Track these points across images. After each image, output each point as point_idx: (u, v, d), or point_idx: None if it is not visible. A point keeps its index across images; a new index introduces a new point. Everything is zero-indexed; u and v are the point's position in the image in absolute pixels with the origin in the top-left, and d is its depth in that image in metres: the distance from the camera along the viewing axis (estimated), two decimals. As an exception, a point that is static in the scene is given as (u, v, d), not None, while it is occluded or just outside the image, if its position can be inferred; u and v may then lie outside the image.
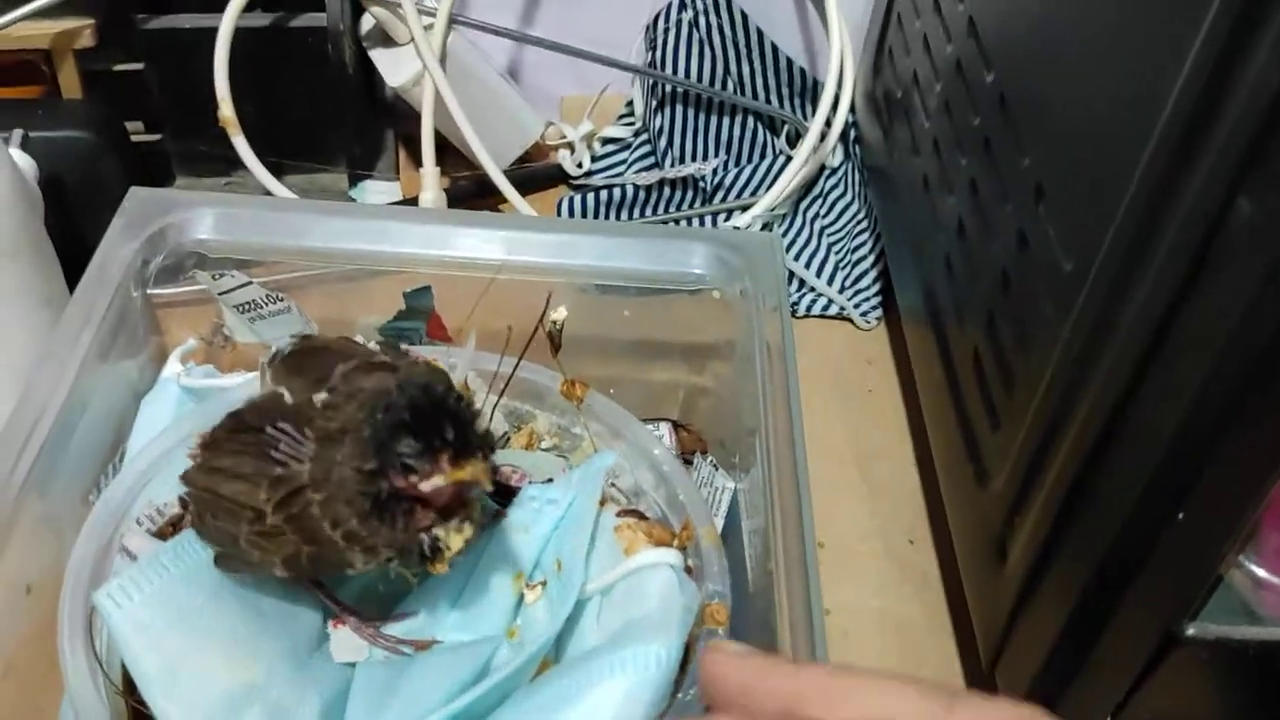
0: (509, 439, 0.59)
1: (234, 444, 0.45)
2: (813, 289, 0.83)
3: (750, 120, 0.89)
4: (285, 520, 0.43)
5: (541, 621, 0.50)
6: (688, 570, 0.49)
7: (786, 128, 0.91)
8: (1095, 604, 0.53)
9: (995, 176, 0.59)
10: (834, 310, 0.82)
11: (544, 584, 0.51)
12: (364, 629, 0.49)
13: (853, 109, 0.90)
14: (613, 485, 0.55)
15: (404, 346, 0.52)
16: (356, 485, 0.42)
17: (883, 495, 0.71)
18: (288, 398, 0.48)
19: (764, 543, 0.56)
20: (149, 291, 0.63)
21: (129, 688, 0.45)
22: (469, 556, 0.51)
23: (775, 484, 0.53)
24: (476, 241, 0.62)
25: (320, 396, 0.46)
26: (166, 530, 0.50)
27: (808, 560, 0.50)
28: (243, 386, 0.54)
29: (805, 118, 0.91)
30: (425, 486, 0.42)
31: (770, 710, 0.30)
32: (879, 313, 0.82)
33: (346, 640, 0.49)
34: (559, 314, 0.65)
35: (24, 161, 0.64)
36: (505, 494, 0.54)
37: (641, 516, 0.51)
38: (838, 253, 0.84)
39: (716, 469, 0.64)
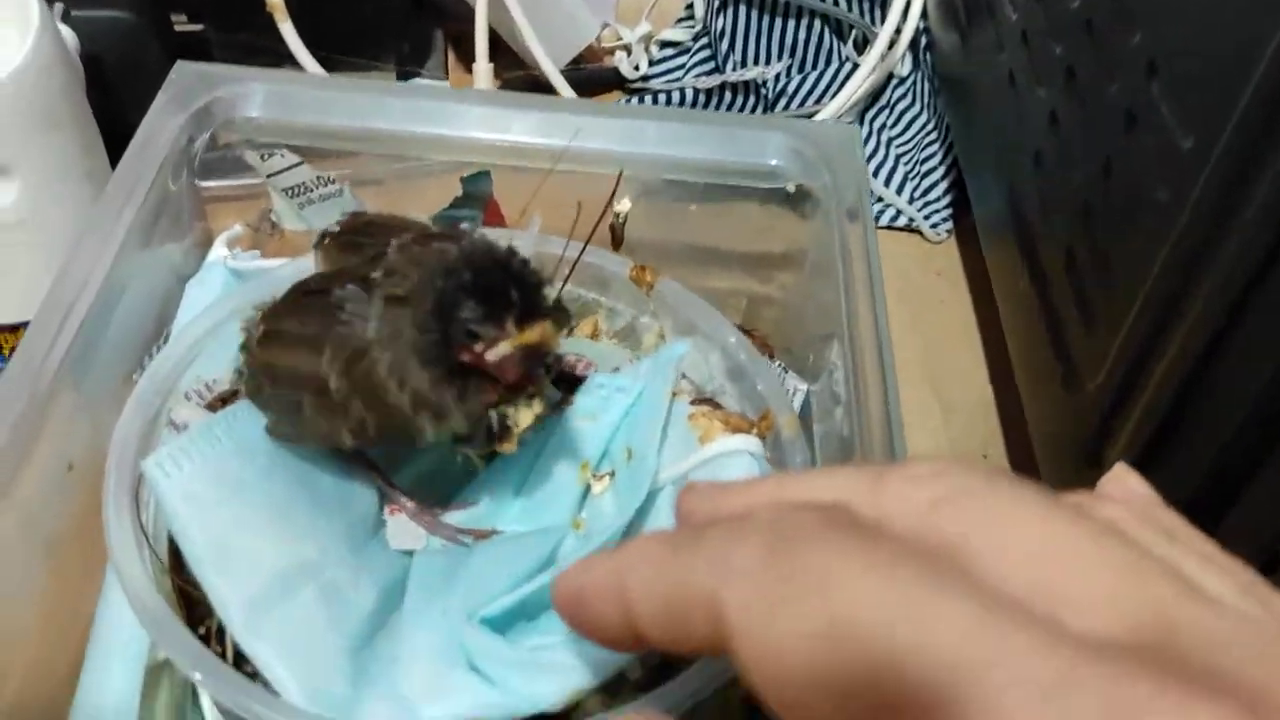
0: (572, 329, 0.55)
1: (297, 309, 0.43)
2: (880, 199, 0.79)
3: (816, 24, 0.85)
4: (350, 386, 0.40)
5: (609, 513, 0.47)
6: (767, 459, 0.46)
7: (854, 33, 0.87)
8: (1199, 517, 0.50)
9: (1098, 59, 0.55)
10: (902, 221, 0.78)
11: (612, 474, 0.48)
12: (422, 516, 0.46)
13: (924, 15, 0.85)
14: (684, 378, 0.52)
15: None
16: (423, 350, 0.40)
17: (955, 410, 0.67)
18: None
19: (842, 450, 0.53)
20: (196, 183, 0.60)
21: (176, 565, 0.43)
22: (532, 445, 0.48)
23: (861, 389, 0.50)
24: (538, 125, 0.58)
25: (378, 271, 0.44)
26: (216, 404, 0.47)
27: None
28: (293, 268, 0.52)
29: (874, 23, 0.86)
30: (491, 356, 0.39)
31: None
32: (949, 225, 0.78)
33: (404, 527, 0.46)
34: (623, 206, 0.61)
35: (66, 33, 0.61)
36: (570, 382, 0.51)
37: (717, 406, 0.48)
38: (906, 163, 0.80)
39: (786, 371, 0.60)
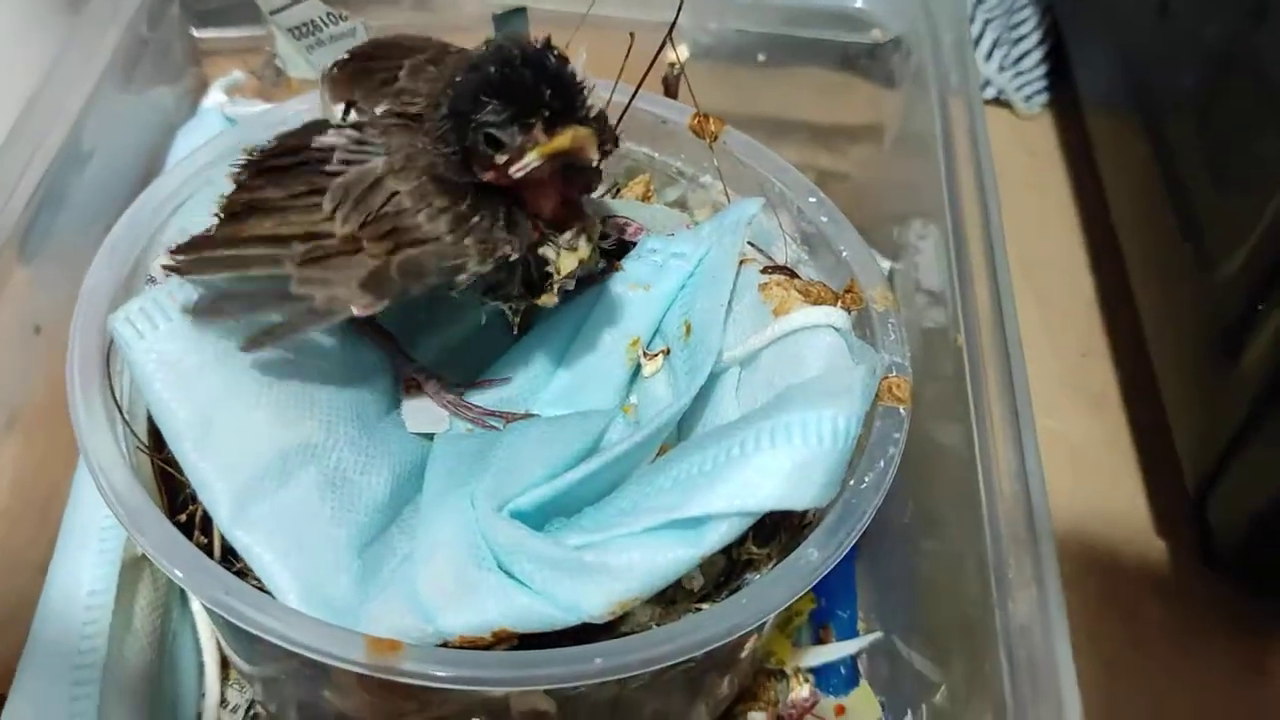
0: (619, 189, 0.48)
1: (273, 174, 0.35)
2: (964, 70, 0.70)
3: None
4: (364, 226, 0.33)
5: (663, 398, 0.40)
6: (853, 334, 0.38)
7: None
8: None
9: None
10: (991, 93, 0.69)
11: (666, 353, 0.41)
12: (444, 395, 0.39)
13: None
14: (752, 246, 0.44)
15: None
16: (445, 170, 0.32)
17: (1051, 304, 0.60)
18: (339, 115, 0.38)
19: (927, 344, 0.45)
20: (192, 34, 0.53)
21: (156, 442, 0.36)
22: (572, 316, 0.41)
23: (966, 280, 0.43)
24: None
25: (386, 102, 0.36)
26: (202, 261, 0.40)
27: (1013, 367, 0.40)
28: (298, 104, 0.44)
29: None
30: (516, 169, 0.31)
31: None
32: (1044, 97, 0.70)
33: (423, 407, 0.39)
34: (679, 53, 0.53)
35: None
36: (618, 248, 0.43)
37: (793, 275, 0.40)
38: (995, 28, 0.71)
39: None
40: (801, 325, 0.37)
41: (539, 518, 0.35)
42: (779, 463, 0.32)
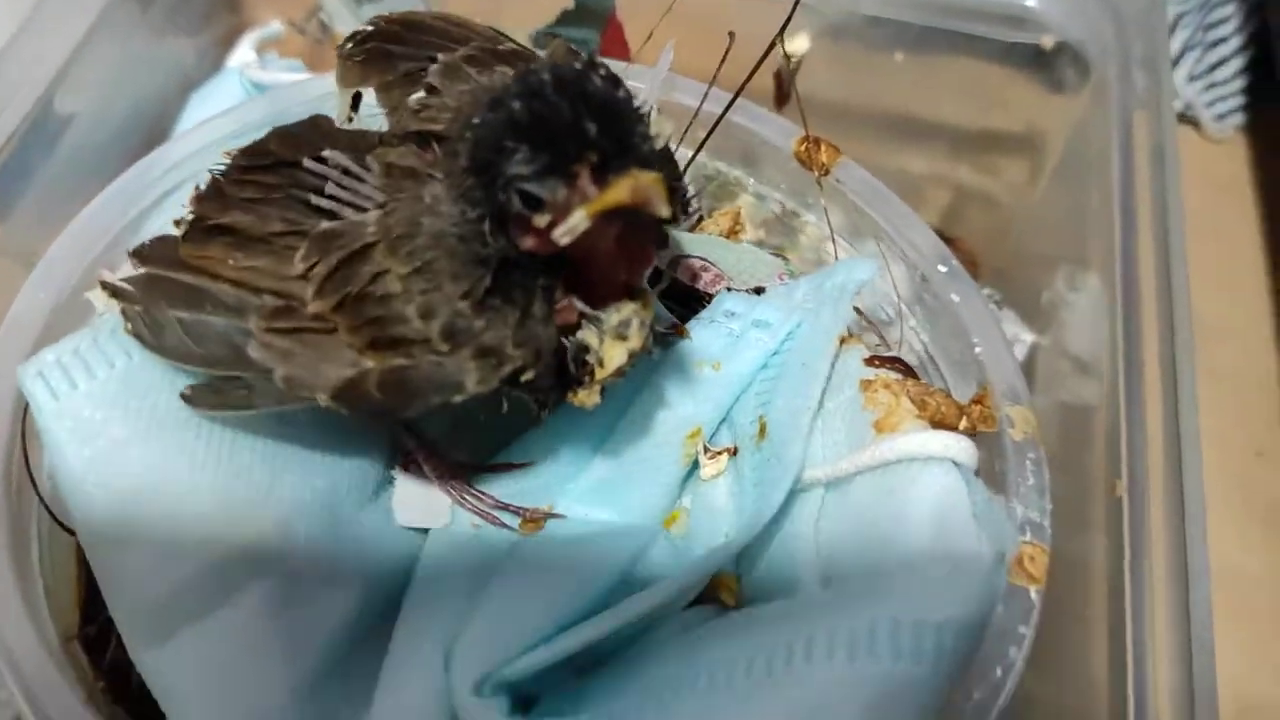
0: (701, 219, 0.39)
1: (249, 190, 0.27)
2: (1145, 74, 0.58)
3: None
4: (339, 308, 0.25)
5: (722, 510, 0.32)
6: (977, 474, 0.29)
7: None
8: None
9: None
10: (1176, 107, 0.57)
11: (733, 452, 0.32)
12: (448, 479, 0.31)
13: None
14: (857, 312, 0.35)
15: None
16: (461, 240, 0.24)
17: (1224, 384, 0.49)
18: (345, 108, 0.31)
19: (1068, 443, 0.35)
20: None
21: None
22: (620, 391, 0.32)
23: (1131, 352, 0.33)
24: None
25: (413, 99, 0.28)
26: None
27: (1186, 485, 0.30)
28: (324, 84, 0.36)
29: None
30: (562, 233, 0.23)
31: None
32: (1240, 118, 0.58)
33: (418, 494, 0.31)
34: (797, 45, 0.44)
35: None
36: (688, 300, 0.34)
37: (908, 371, 0.31)
38: (1187, 27, 0.59)
39: (1001, 308, 0.43)
40: (913, 455, 0.28)
41: (534, 683, 0.27)
42: (856, 684, 0.23)
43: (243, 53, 0.44)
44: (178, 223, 0.28)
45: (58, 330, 0.30)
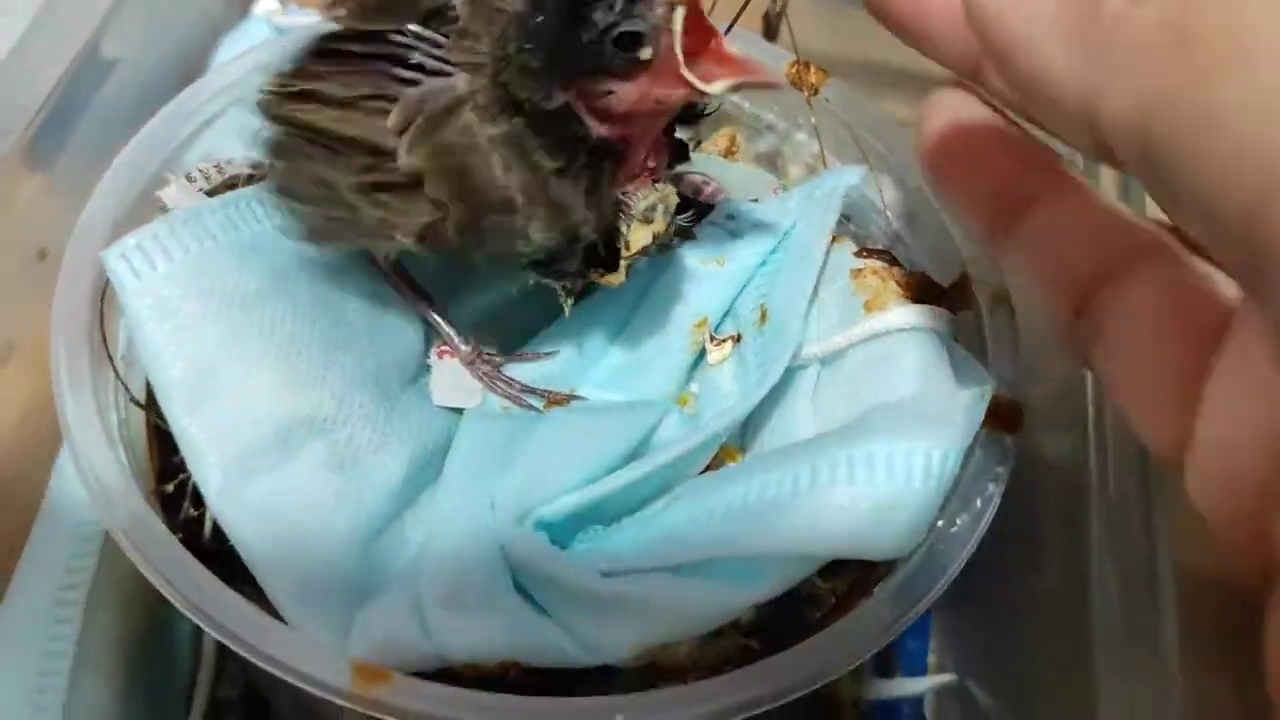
0: (699, 142, 0.42)
1: (335, 62, 0.30)
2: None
3: None
4: (430, 158, 0.28)
5: (728, 391, 0.35)
6: (957, 340, 0.33)
7: None
8: None
9: None
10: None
11: (736, 339, 0.35)
12: (479, 364, 0.35)
13: None
14: (847, 219, 0.38)
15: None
16: (547, 110, 0.27)
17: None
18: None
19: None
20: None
21: (153, 396, 0.32)
22: (632, 286, 0.35)
23: None
24: None
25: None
26: (223, 191, 0.35)
27: None
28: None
29: None
30: (678, 49, 0.25)
31: None
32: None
33: (453, 376, 0.35)
34: (785, -12, 0.47)
35: None
36: (693, 210, 0.38)
37: (894, 260, 0.35)
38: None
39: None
40: (898, 326, 0.32)
41: (569, 526, 0.30)
42: (855, 501, 0.27)
43: (266, 2, 0.47)
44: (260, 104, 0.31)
45: (125, 228, 0.33)
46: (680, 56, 0.26)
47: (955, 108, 0.26)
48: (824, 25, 0.52)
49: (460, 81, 0.28)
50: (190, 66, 0.45)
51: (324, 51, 0.31)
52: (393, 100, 0.29)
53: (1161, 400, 0.21)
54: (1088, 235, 0.24)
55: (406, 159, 0.28)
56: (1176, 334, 0.22)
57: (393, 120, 0.28)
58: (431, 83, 0.29)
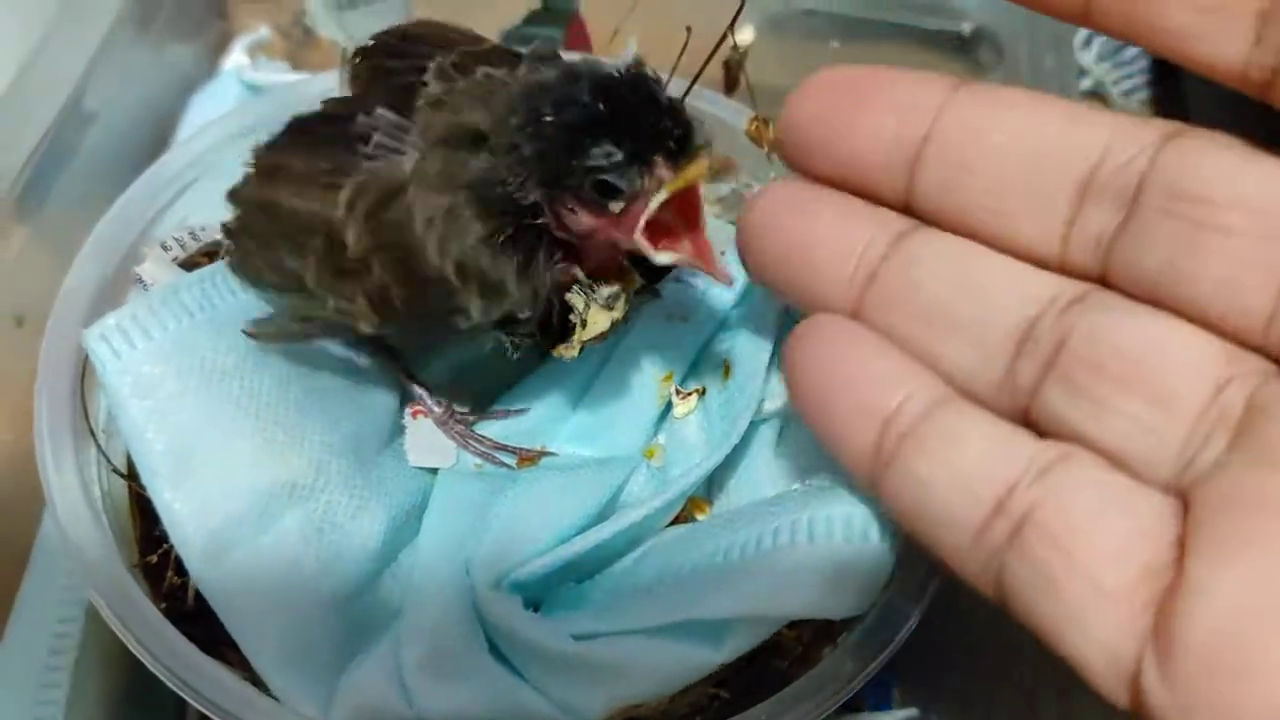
0: (665, 194, 0.43)
1: (306, 140, 0.31)
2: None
3: None
4: (373, 239, 0.29)
5: (695, 443, 0.36)
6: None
7: None
8: None
9: None
10: (1086, 84, 0.63)
11: (701, 393, 0.37)
12: (452, 424, 0.36)
13: None
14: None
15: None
16: (487, 197, 0.28)
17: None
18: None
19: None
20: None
21: (133, 468, 0.33)
22: (602, 344, 0.37)
23: None
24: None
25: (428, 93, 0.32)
26: (200, 261, 0.36)
27: None
28: (321, 83, 0.40)
29: None
30: (644, 216, 0.27)
31: None
32: (1144, 94, 0.63)
33: (427, 437, 0.36)
34: (744, 37, 0.48)
35: None
36: (656, 268, 0.39)
37: (851, 316, 0.36)
38: (1097, 12, 0.64)
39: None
40: (854, 384, 0.33)
41: (543, 586, 0.31)
42: (816, 562, 0.28)
43: (236, 57, 0.48)
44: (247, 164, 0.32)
45: (103, 303, 0.34)
46: (643, 224, 0.27)
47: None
48: (785, 64, 0.54)
49: (408, 160, 0.29)
50: (163, 122, 0.45)
51: (296, 132, 0.32)
52: (346, 175, 0.30)
53: None
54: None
55: (353, 239, 0.29)
56: None
57: (342, 197, 0.29)
58: (381, 162, 0.29)
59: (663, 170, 0.26)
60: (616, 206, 0.27)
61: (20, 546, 0.36)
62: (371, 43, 0.35)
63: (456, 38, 0.34)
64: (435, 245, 0.28)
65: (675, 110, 0.26)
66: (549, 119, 0.27)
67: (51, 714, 0.33)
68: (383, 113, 0.30)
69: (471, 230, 0.28)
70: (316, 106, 0.32)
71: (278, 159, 0.32)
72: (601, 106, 0.26)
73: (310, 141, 0.31)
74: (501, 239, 0.28)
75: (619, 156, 0.26)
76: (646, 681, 0.28)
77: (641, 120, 0.26)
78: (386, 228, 0.29)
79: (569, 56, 0.33)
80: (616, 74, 0.27)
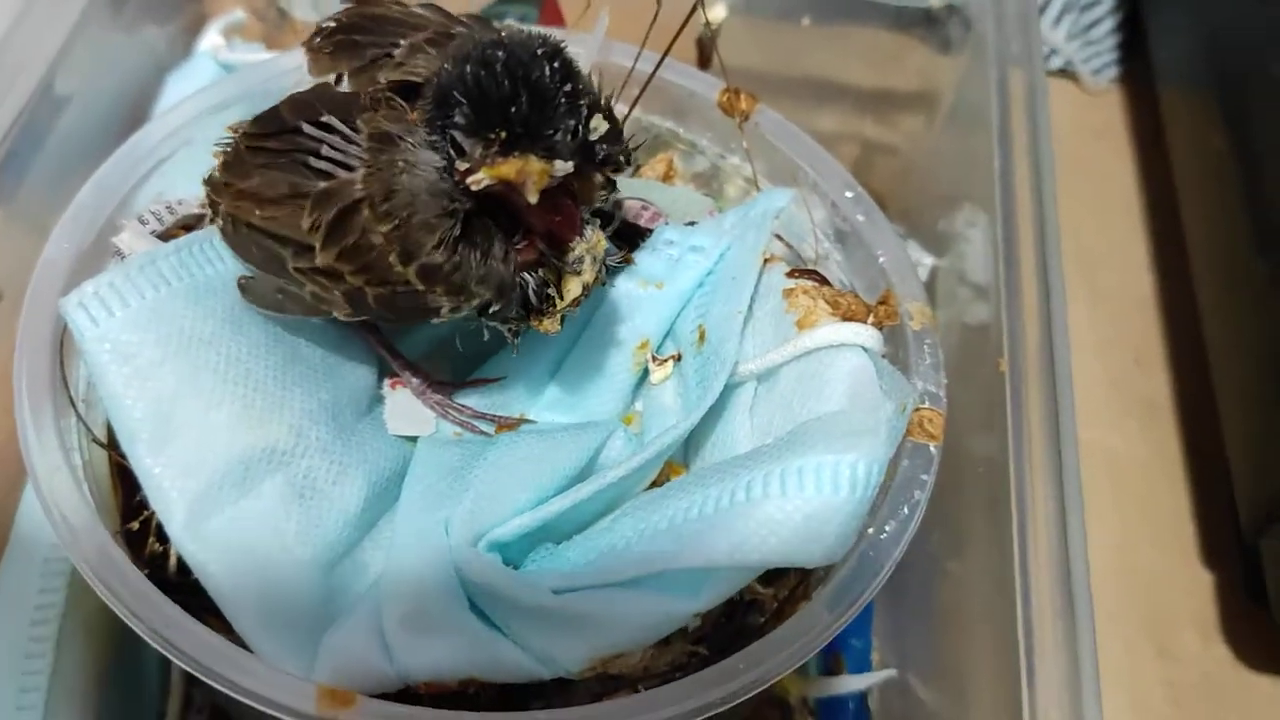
0: (639, 167, 0.44)
1: (261, 156, 0.31)
2: (1029, 35, 0.64)
3: None
4: (339, 257, 0.29)
5: (670, 408, 0.37)
6: (884, 356, 0.35)
7: None
8: None
9: None
10: (1056, 63, 0.64)
11: (677, 359, 0.37)
12: (430, 394, 0.36)
13: None
14: (779, 239, 0.40)
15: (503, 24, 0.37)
16: (431, 194, 0.29)
17: (1105, 302, 0.55)
18: (342, 86, 0.34)
19: (966, 346, 0.41)
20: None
21: (114, 437, 0.33)
22: (579, 312, 0.37)
23: (1013, 272, 0.38)
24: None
25: (382, 79, 0.32)
26: (177, 234, 0.36)
27: (1058, 375, 0.36)
28: (294, 59, 0.40)
29: None
30: (471, 182, 0.28)
31: None
32: (1114, 71, 0.64)
33: (406, 406, 0.36)
34: (716, 14, 0.49)
35: None
36: (632, 235, 0.39)
37: (823, 280, 0.36)
38: (1065, -9, 0.65)
39: (906, 238, 0.48)
40: (827, 343, 0.33)
41: (521, 546, 0.32)
42: (789, 513, 0.28)
43: (210, 38, 0.48)
44: (207, 182, 0.32)
45: (81, 273, 0.34)
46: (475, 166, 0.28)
47: None
48: (757, 43, 0.54)
49: (358, 180, 0.30)
50: (137, 103, 0.45)
51: (252, 149, 0.32)
52: (307, 197, 0.30)
53: None
54: None
55: (321, 257, 0.30)
56: None
57: (304, 222, 0.30)
58: (334, 181, 0.30)
59: (493, 153, 0.27)
60: (461, 165, 0.28)
61: (1, 518, 0.36)
62: (332, 23, 0.35)
63: (428, 19, 0.35)
64: (396, 257, 0.29)
65: (536, 100, 0.27)
66: (443, 71, 0.28)
67: (35, 684, 0.33)
68: (327, 120, 0.31)
69: (425, 242, 0.29)
70: (275, 100, 0.32)
71: (239, 181, 0.31)
72: (471, 72, 0.27)
73: (265, 162, 0.31)
74: (452, 239, 0.29)
75: (469, 122, 0.27)
76: (626, 631, 0.28)
77: (492, 97, 0.27)
78: (350, 247, 0.29)
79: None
80: (515, 49, 0.27)
